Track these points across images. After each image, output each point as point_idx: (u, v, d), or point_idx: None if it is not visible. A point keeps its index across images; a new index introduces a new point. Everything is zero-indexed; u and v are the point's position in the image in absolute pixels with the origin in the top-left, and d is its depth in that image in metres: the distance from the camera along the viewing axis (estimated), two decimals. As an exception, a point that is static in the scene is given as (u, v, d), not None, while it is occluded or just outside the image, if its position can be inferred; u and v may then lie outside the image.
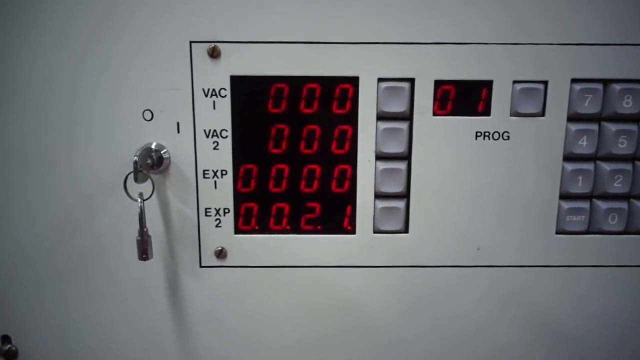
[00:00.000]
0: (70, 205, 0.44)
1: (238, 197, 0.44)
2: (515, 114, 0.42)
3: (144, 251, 0.41)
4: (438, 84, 0.42)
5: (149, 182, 0.41)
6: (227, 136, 0.43)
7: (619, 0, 0.41)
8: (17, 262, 0.45)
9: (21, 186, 0.43)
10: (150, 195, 0.42)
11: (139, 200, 0.41)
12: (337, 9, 0.41)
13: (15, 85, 0.41)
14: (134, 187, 0.41)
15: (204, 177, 0.43)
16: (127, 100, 0.42)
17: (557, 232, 0.45)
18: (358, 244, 0.45)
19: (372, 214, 0.44)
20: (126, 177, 0.41)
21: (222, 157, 0.43)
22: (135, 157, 0.40)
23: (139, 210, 0.41)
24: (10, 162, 0.43)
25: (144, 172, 0.40)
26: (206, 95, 0.42)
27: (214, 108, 0.42)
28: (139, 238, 0.41)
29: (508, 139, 0.43)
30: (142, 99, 0.42)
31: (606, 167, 0.43)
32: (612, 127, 0.42)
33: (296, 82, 0.42)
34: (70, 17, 0.40)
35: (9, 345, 0.47)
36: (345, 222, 0.44)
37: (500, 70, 0.42)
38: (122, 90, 0.42)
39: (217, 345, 0.47)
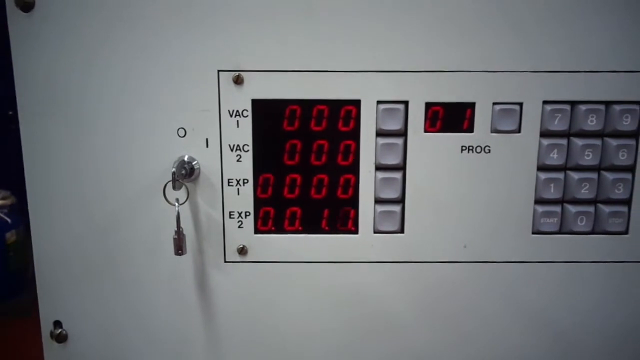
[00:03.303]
0: (116, 207, 0.47)
1: (257, 202, 0.47)
2: (495, 130, 0.45)
3: (180, 247, 0.45)
4: (429, 105, 0.45)
5: (183, 189, 0.45)
6: (248, 150, 0.46)
7: (584, 33, 0.44)
8: (69, 255, 0.47)
9: (75, 188, 0.46)
10: (186, 200, 0.46)
11: (176, 204, 0.45)
12: (342, 43, 0.44)
13: (79, 107, 0.45)
14: (171, 193, 0.45)
15: (229, 185, 0.47)
16: (165, 120, 0.45)
17: (533, 232, 0.47)
18: (360, 242, 0.48)
19: (373, 216, 0.47)
20: (165, 185, 0.45)
21: (244, 168, 0.46)
22: (174, 169, 0.43)
23: (176, 212, 0.44)
24: (68, 168, 0.46)
25: (180, 180, 0.44)
26: (231, 116, 0.45)
27: (238, 126, 0.46)
28: (175, 236, 0.44)
29: (489, 152, 0.46)
30: (177, 119, 0.45)
31: (575, 176, 0.46)
32: (579, 142, 0.46)
33: (307, 104, 0.45)
34: (116, 49, 0.44)
35: (60, 330, 0.49)
36: (350, 224, 0.47)
37: (482, 94, 0.45)
38: (160, 111, 0.45)
39: (239, 329, 0.50)
